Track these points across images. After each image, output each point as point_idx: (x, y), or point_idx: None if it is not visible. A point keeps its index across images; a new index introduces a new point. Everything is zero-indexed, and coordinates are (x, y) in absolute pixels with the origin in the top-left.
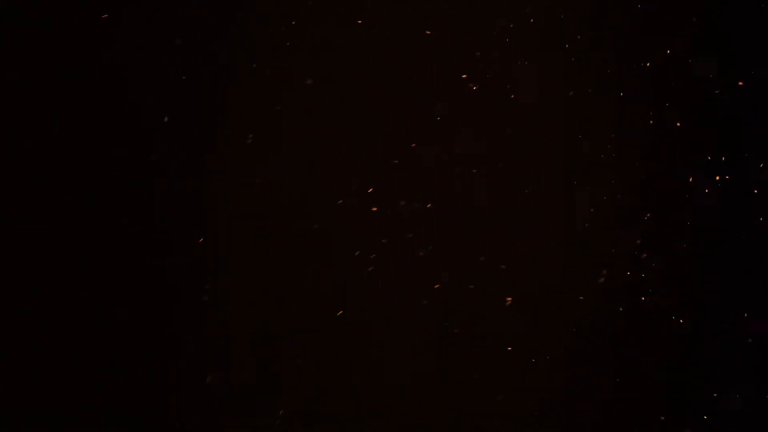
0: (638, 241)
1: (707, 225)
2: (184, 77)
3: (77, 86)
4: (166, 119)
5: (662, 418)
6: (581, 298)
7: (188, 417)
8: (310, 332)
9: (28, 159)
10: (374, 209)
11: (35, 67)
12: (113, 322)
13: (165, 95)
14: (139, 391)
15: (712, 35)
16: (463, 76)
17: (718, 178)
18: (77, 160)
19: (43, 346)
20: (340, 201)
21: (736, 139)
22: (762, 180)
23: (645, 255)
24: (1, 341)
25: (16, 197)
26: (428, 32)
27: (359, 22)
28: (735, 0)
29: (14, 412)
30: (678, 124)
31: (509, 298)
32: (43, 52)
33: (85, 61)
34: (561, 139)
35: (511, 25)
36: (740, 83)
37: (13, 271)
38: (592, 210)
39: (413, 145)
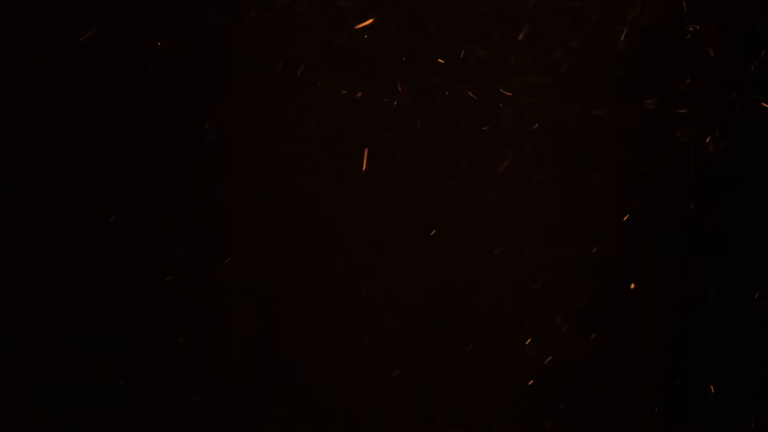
0: (639, 242)
1: (709, 224)
2: (183, 76)
3: (75, 85)
4: (164, 117)
5: (662, 418)
6: (583, 296)
7: (188, 418)
8: (311, 332)
9: (27, 159)
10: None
11: (33, 65)
12: (111, 322)
13: (163, 94)
14: (139, 391)
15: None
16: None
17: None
18: (75, 160)
19: (41, 346)
20: (340, 196)
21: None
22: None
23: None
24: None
25: (14, 197)
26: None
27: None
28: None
29: (14, 411)
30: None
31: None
32: (40, 51)
33: (84, 60)
34: (562, 138)
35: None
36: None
37: (11, 271)
38: (593, 208)
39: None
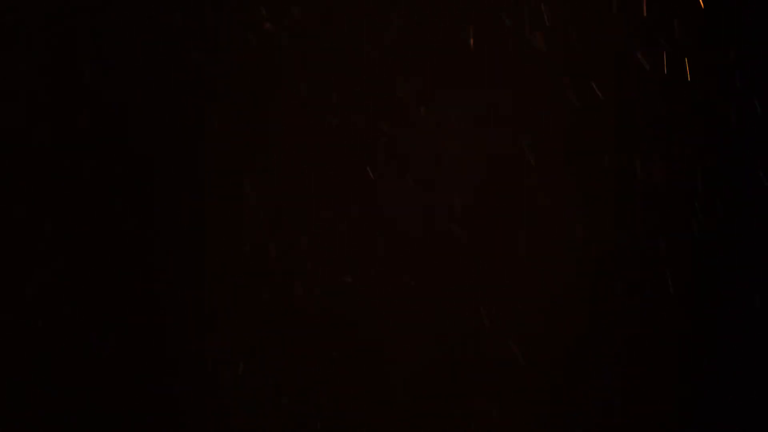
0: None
1: (711, 224)
2: (179, 78)
3: (70, 86)
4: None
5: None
6: (585, 298)
7: (186, 419)
8: (311, 337)
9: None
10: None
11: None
12: (109, 325)
13: (159, 95)
14: (136, 394)
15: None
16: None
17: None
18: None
19: (35, 347)
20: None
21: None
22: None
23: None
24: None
25: (12, 198)
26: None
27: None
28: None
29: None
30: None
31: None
32: (34, 53)
33: (79, 64)
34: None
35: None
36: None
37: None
38: (595, 210)
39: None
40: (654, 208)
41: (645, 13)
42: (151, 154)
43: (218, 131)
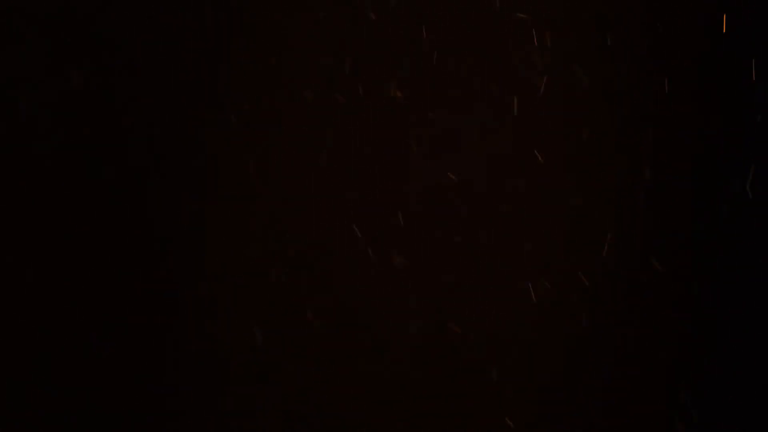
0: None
1: (710, 224)
2: (179, 80)
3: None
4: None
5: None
6: (584, 298)
7: (186, 419)
8: (311, 337)
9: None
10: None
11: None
12: (109, 326)
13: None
14: (137, 394)
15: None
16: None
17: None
18: (72, 162)
19: (36, 346)
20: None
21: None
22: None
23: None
24: (2, 343)
25: (13, 198)
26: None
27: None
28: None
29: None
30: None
31: None
32: (33, 53)
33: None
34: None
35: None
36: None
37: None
38: (591, 212)
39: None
40: (654, 208)
41: (648, 16)
42: (151, 154)
43: (219, 131)
